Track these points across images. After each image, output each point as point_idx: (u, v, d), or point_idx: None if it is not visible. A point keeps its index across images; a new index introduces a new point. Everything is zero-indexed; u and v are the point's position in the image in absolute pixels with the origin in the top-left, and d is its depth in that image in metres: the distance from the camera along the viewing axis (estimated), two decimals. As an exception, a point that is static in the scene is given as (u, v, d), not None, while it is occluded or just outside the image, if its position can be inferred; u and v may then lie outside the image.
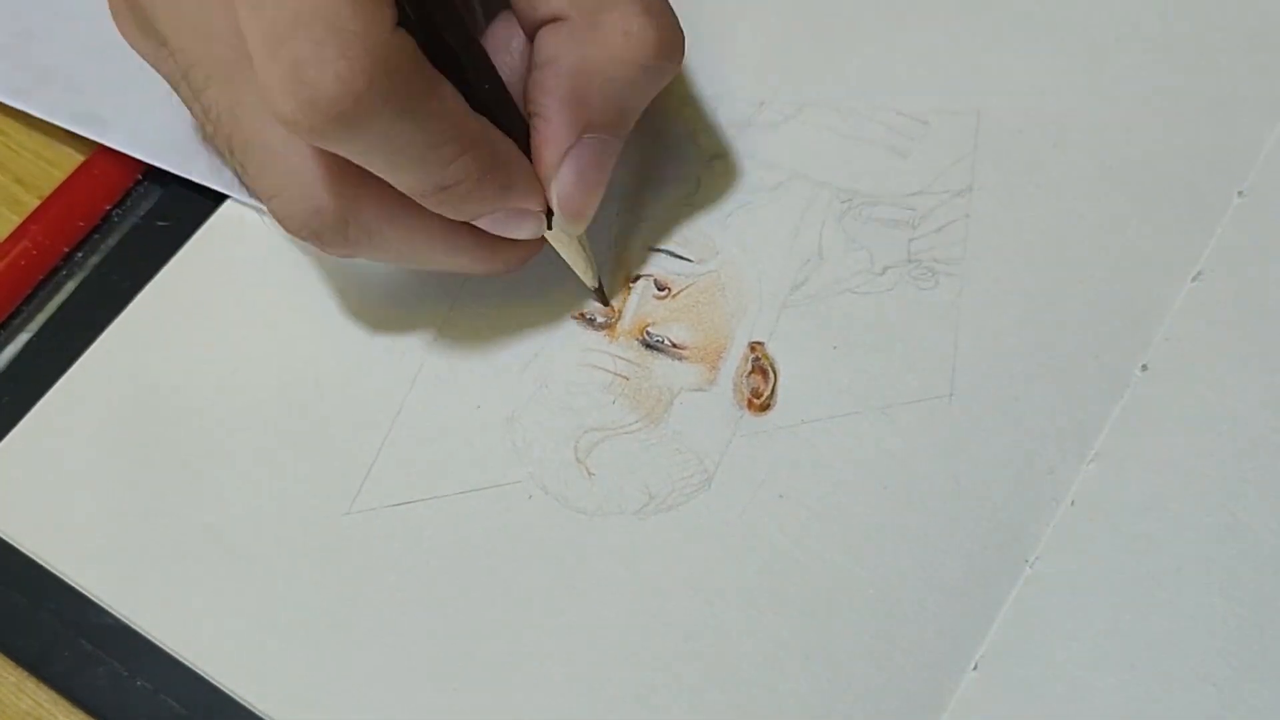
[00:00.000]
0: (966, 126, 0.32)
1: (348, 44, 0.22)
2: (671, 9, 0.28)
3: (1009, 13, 0.34)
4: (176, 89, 0.29)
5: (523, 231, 0.28)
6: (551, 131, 0.27)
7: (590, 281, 0.31)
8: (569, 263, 0.30)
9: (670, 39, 0.28)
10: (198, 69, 0.27)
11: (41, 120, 0.35)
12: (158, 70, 0.30)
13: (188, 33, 0.27)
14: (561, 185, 0.28)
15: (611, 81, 0.27)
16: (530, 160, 0.28)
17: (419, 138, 0.25)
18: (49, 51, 0.35)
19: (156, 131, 0.33)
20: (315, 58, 0.22)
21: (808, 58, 0.34)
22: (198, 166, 0.33)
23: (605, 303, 0.31)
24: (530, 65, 0.28)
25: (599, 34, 0.27)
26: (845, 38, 0.34)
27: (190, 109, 0.29)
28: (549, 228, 0.28)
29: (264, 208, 0.31)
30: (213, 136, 0.28)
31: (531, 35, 0.28)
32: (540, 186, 0.28)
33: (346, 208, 0.27)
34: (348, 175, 0.27)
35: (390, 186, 0.27)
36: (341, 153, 0.25)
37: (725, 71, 0.34)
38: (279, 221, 0.28)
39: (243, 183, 0.30)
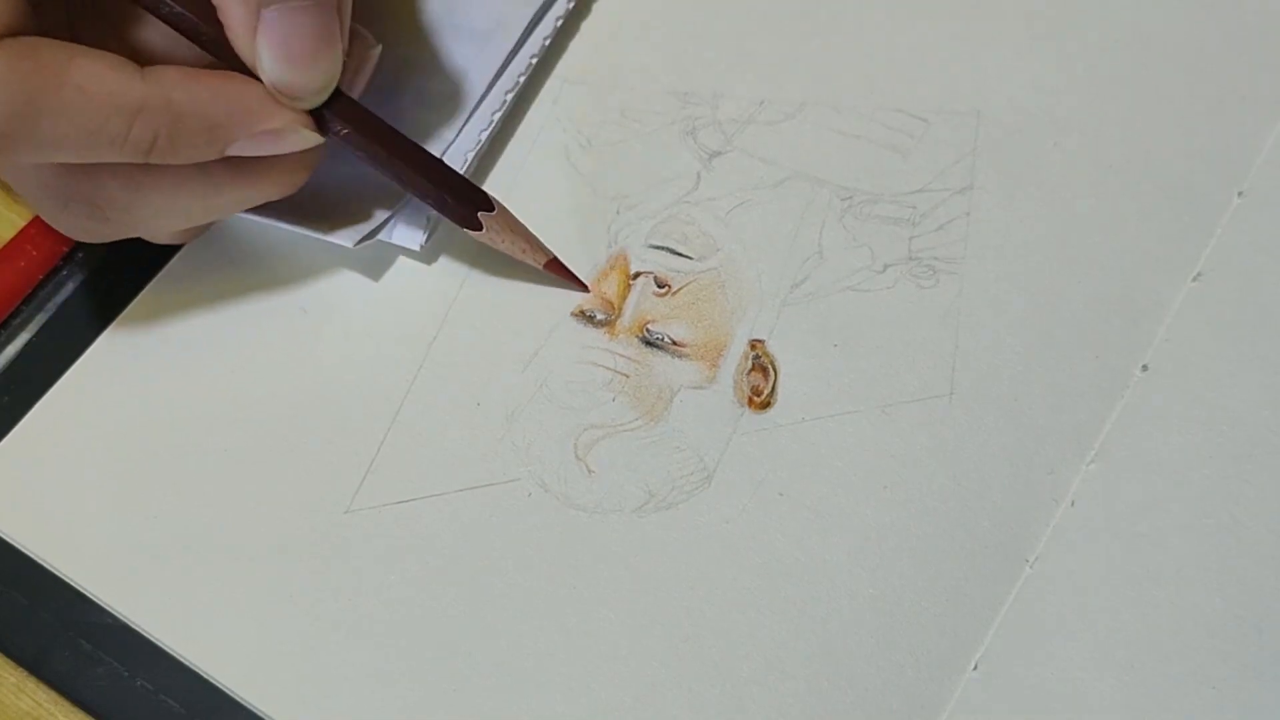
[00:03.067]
0: (967, 125, 0.32)
1: None
2: None
3: (1010, 13, 0.34)
4: None
5: (285, 147, 0.28)
6: (230, 16, 0.26)
7: (538, 261, 0.30)
8: (508, 254, 0.30)
9: None
10: None
11: None
12: None
13: None
14: (266, 66, 0.27)
15: None
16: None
17: (71, 134, 0.25)
18: None
19: None
20: None
21: (809, 56, 0.34)
22: None
23: (581, 284, 0.31)
24: None
25: None
26: (846, 37, 0.34)
27: None
28: (320, 132, 0.28)
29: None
30: None
31: None
32: (266, 100, 0.27)
33: (92, 199, 0.27)
34: (75, 173, 0.27)
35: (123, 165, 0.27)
36: (19, 161, 0.26)
37: (726, 69, 0.34)
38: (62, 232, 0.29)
39: None
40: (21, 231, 0.34)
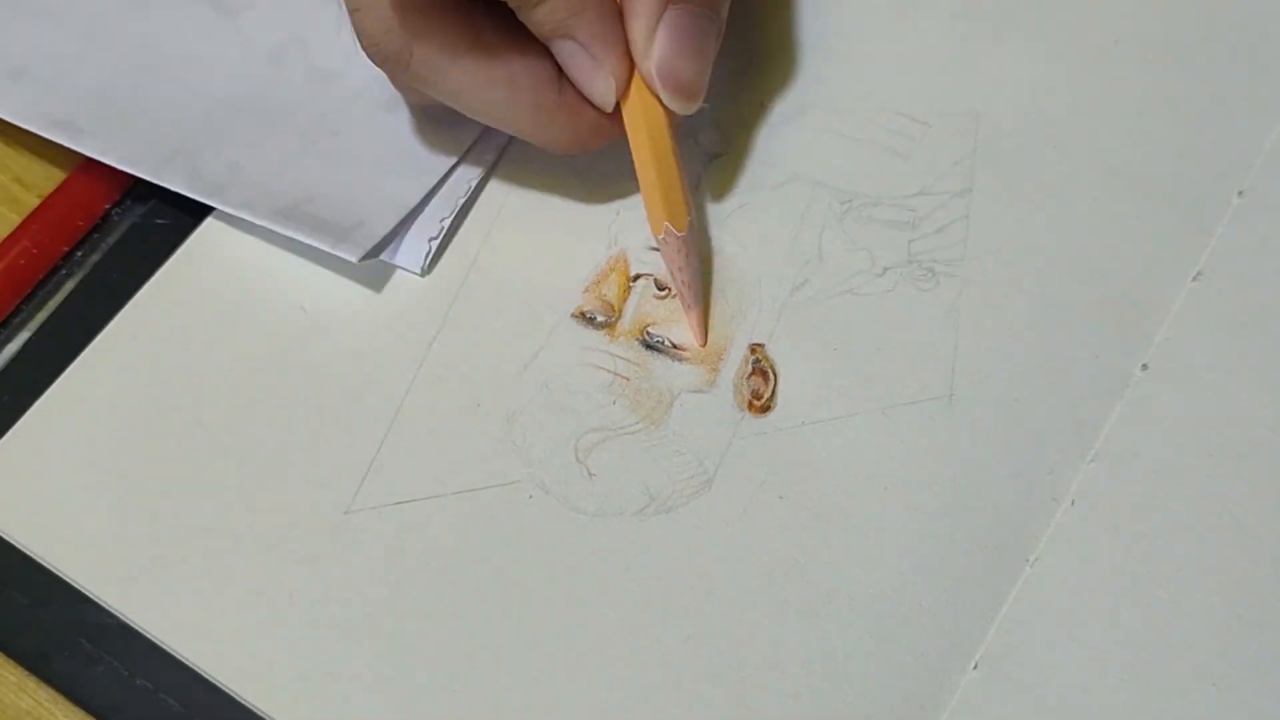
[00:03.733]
0: (966, 128, 0.33)
1: None
2: None
3: (1007, 15, 0.34)
4: None
5: (595, 83, 0.29)
6: (637, 5, 0.28)
7: (686, 301, 0.31)
8: (671, 269, 0.31)
9: None
10: None
11: None
12: None
13: None
14: (660, 53, 0.28)
15: None
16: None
17: None
18: (20, 51, 0.35)
19: (133, 140, 0.33)
20: None
21: (809, 59, 0.34)
22: (174, 176, 0.33)
23: (701, 339, 0.31)
24: None
25: None
26: (846, 40, 0.34)
27: None
28: (614, 97, 0.29)
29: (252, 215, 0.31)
30: None
31: None
32: (620, 34, 0.29)
33: (413, 36, 0.28)
34: (420, 7, 0.28)
35: (456, 28, 0.28)
36: None
37: (728, 71, 0.34)
38: (357, 34, 0.29)
39: None
40: (20, 227, 0.34)
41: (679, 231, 0.30)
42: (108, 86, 0.34)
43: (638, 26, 0.28)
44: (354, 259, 0.31)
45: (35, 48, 0.35)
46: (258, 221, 0.32)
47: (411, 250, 0.32)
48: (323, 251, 0.31)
